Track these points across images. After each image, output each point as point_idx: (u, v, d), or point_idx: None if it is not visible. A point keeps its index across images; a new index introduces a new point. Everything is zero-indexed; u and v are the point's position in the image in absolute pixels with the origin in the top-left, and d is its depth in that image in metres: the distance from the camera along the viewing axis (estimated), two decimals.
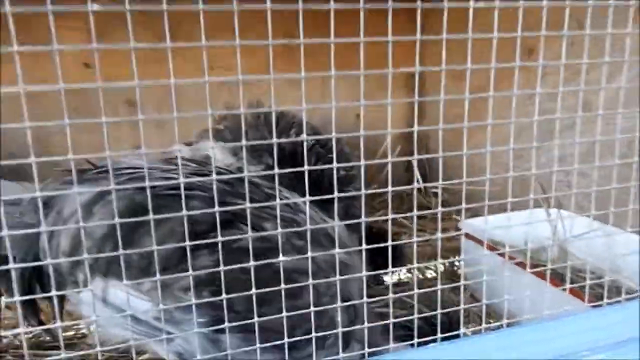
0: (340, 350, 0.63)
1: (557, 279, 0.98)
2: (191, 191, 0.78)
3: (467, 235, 1.30)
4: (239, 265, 0.53)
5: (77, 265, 0.77)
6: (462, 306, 0.68)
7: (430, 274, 1.51)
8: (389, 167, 0.57)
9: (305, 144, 0.60)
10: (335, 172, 0.57)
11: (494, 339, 0.60)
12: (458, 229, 1.36)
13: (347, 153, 1.38)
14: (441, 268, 1.49)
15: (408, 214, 0.65)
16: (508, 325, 0.63)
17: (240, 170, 1.10)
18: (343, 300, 0.62)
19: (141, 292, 0.74)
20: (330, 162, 0.55)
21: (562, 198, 1.16)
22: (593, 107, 0.70)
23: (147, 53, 0.51)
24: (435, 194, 2.03)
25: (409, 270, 1.41)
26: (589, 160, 0.72)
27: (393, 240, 0.63)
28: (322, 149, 1.21)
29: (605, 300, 0.69)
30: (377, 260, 0.83)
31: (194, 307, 0.56)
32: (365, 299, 0.62)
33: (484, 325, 1.05)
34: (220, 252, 0.53)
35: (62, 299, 0.83)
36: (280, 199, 0.86)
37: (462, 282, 0.66)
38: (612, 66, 0.77)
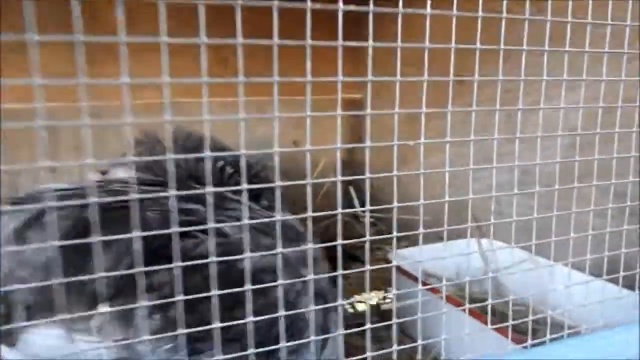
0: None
1: (492, 315, 0.94)
2: (142, 202, 0.67)
3: (398, 268, 1.26)
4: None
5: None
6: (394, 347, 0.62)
7: (361, 307, 1.45)
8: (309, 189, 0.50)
9: (204, 163, 0.52)
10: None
11: None
12: (387, 261, 1.31)
13: (266, 177, 1.27)
14: (372, 301, 1.43)
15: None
16: None
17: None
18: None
19: (90, 331, 0.62)
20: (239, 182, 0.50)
21: (494, 228, 1.16)
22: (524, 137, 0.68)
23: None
24: (373, 223, 1.99)
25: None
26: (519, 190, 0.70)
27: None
28: (237, 172, 1.10)
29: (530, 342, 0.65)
30: None
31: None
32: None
33: None
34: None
35: None
36: (237, 202, 0.81)
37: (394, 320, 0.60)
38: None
